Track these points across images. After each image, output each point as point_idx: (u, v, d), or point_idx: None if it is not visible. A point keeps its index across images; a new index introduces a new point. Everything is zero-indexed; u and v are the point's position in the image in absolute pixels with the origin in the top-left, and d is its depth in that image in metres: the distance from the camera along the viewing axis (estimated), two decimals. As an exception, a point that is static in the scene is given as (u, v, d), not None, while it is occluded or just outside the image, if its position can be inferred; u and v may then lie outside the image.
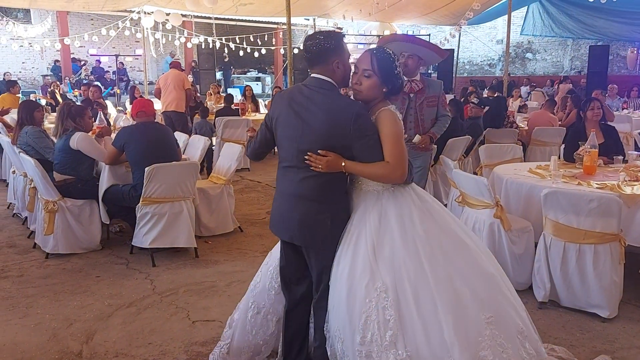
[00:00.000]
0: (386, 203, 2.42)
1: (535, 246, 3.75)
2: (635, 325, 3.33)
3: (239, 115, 8.98)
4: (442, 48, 5.15)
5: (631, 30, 15.77)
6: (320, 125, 2.35)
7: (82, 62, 18.25)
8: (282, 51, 16.13)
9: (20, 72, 18.73)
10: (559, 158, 4.84)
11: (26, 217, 5.33)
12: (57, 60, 18.04)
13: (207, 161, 7.36)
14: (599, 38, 16.78)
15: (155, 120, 4.86)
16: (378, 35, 15.32)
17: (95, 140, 4.78)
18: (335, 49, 2.45)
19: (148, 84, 14.62)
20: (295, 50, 12.48)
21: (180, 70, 8.96)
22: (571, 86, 13.85)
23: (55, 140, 4.97)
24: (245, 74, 21.48)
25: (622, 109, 10.37)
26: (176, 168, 4.45)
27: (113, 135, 5.13)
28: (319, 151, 2.35)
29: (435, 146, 6.00)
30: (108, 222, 4.76)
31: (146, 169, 4.23)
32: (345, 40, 2.58)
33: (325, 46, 2.42)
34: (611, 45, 16.54)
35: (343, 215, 2.48)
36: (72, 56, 17.76)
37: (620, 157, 4.58)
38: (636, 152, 4.69)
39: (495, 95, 10.24)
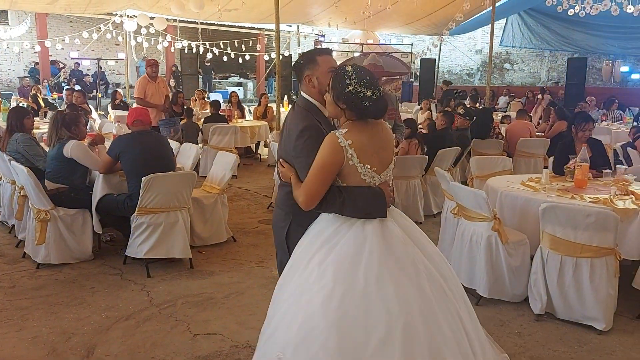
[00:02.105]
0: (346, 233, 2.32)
1: (531, 259, 3.83)
2: (630, 337, 3.42)
3: (226, 122, 8.93)
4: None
5: (607, 44, 16.19)
6: (282, 141, 2.57)
7: (62, 66, 17.92)
8: (265, 57, 16.08)
9: (-4, 73, 18.36)
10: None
11: (13, 225, 5.21)
12: (35, 63, 17.69)
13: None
14: (576, 50, 17.17)
15: (151, 130, 4.81)
16: (362, 44, 15.44)
17: (89, 149, 4.71)
18: (306, 64, 2.52)
19: (129, 87, 14.45)
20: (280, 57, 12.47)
21: (151, 73, 7.54)
22: (550, 97, 14.14)
23: (45, 148, 4.87)
24: (227, 79, 21.40)
25: (601, 121, 10.62)
26: (173, 178, 4.41)
27: (107, 143, 5.06)
28: (279, 160, 2.54)
29: (426, 157, 6.11)
30: (100, 232, 4.68)
31: (143, 179, 4.18)
32: (324, 52, 2.59)
33: (299, 63, 2.54)
34: (587, 58, 16.95)
35: (304, 227, 2.46)
36: (51, 59, 17.43)
37: (609, 171, 4.70)
38: (624, 166, 4.83)
39: (480, 106, 10.40)
